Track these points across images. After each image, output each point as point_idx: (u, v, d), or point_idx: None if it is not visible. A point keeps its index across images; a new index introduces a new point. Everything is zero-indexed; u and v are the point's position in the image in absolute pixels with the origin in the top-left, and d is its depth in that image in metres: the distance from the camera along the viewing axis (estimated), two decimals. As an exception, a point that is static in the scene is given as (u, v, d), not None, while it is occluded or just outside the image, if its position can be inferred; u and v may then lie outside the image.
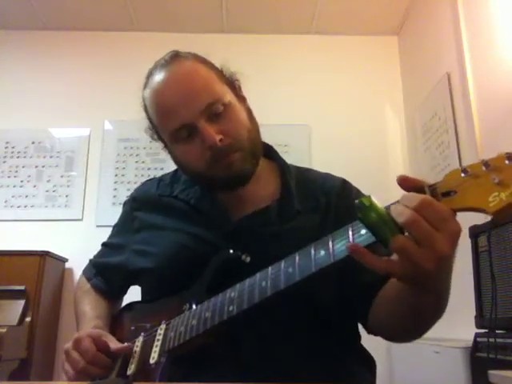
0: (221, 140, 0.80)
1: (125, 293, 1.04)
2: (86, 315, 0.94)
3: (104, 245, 1.05)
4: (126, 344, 0.81)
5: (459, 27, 2.25)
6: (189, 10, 3.04)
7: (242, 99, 0.90)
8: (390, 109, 3.15)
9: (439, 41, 2.55)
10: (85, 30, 3.21)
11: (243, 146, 0.83)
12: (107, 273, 1.00)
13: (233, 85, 0.89)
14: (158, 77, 0.84)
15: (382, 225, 0.54)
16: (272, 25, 3.18)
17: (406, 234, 0.54)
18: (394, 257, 0.55)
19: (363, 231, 0.57)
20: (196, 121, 0.80)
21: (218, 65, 0.90)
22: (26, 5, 2.97)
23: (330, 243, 0.61)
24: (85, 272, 1.06)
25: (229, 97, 0.85)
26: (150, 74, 0.87)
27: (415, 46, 2.98)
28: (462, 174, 0.53)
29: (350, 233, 0.59)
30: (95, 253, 1.07)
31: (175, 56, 0.86)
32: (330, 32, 3.22)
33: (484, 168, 0.52)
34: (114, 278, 0.99)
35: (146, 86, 0.87)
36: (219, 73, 0.88)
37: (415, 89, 2.95)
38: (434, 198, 0.54)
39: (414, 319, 0.70)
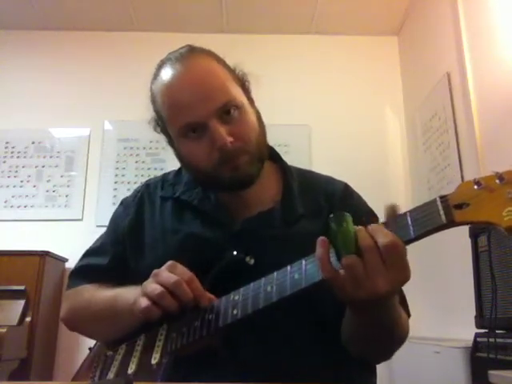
0: (231, 142, 0.79)
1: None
2: (118, 294, 0.82)
3: (87, 253, 0.99)
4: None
5: (459, 27, 2.25)
6: (189, 10, 3.04)
7: (251, 101, 0.90)
8: (390, 109, 3.15)
9: (439, 41, 2.55)
10: (85, 30, 3.21)
11: (251, 150, 0.83)
12: (99, 275, 0.93)
13: (244, 86, 0.89)
14: (173, 70, 0.82)
15: (342, 241, 0.58)
16: (272, 25, 3.18)
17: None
18: (341, 272, 0.58)
19: None
20: (208, 120, 0.79)
21: (230, 64, 0.88)
22: (26, 5, 2.97)
23: None
24: (68, 288, 0.96)
25: (241, 98, 0.84)
26: (162, 66, 0.85)
27: (415, 46, 2.98)
28: (475, 187, 0.53)
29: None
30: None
31: (191, 51, 0.85)
32: (330, 32, 3.22)
33: (498, 181, 0.52)
34: (109, 278, 0.92)
35: (156, 77, 0.85)
36: (233, 73, 0.87)
37: (415, 89, 2.95)
38: (447, 211, 0.55)
39: (362, 344, 0.76)
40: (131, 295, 0.78)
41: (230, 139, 0.79)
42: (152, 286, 0.72)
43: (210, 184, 0.88)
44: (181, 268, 0.74)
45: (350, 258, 0.57)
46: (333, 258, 0.60)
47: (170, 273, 0.73)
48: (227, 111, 0.81)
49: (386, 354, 0.80)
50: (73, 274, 0.98)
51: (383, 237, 0.57)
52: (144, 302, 0.71)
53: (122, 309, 0.80)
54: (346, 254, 0.57)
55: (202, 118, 0.79)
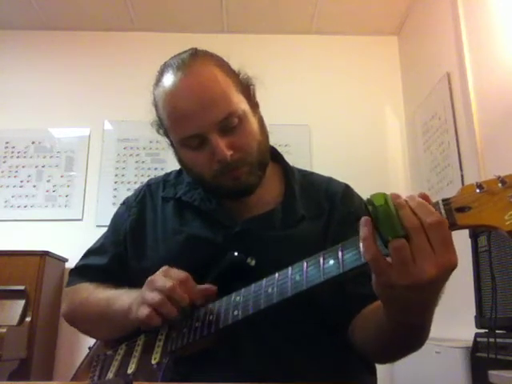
0: (231, 155, 0.79)
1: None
2: (113, 297, 0.83)
3: (87, 253, 1.00)
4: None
5: (459, 27, 2.25)
6: (189, 10, 3.04)
7: (255, 106, 0.89)
8: (390, 109, 3.14)
9: (439, 41, 2.55)
10: (85, 29, 3.21)
11: (252, 160, 0.83)
12: (97, 274, 0.94)
13: (248, 91, 0.87)
14: (174, 78, 0.81)
15: (388, 223, 0.53)
16: (272, 25, 3.18)
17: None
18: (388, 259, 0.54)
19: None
20: (208, 133, 0.79)
21: (235, 67, 0.87)
22: (26, 5, 2.97)
23: (340, 253, 0.60)
24: (69, 285, 0.97)
25: (244, 107, 0.83)
26: (164, 71, 0.84)
27: (415, 46, 2.98)
28: (477, 190, 0.53)
29: (361, 244, 0.56)
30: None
31: (194, 57, 0.83)
32: (330, 32, 3.22)
33: (500, 185, 0.52)
34: (109, 277, 0.93)
35: (159, 82, 0.84)
36: (236, 78, 0.85)
37: (415, 89, 2.95)
38: (449, 214, 0.54)
39: (384, 346, 0.73)
40: (126, 299, 0.78)
41: (229, 152, 0.79)
42: (151, 294, 0.72)
43: (212, 191, 0.88)
44: (174, 271, 0.74)
45: (398, 241, 0.52)
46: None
47: (164, 277, 0.73)
48: (229, 123, 0.80)
49: (400, 357, 0.76)
50: (72, 271, 0.99)
51: (428, 214, 0.52)
52: (145, 311, 0.71)
53: (116, 312, 0.80)
54: (393, 237, 0.52)
55: (203, 130, 0.79)
